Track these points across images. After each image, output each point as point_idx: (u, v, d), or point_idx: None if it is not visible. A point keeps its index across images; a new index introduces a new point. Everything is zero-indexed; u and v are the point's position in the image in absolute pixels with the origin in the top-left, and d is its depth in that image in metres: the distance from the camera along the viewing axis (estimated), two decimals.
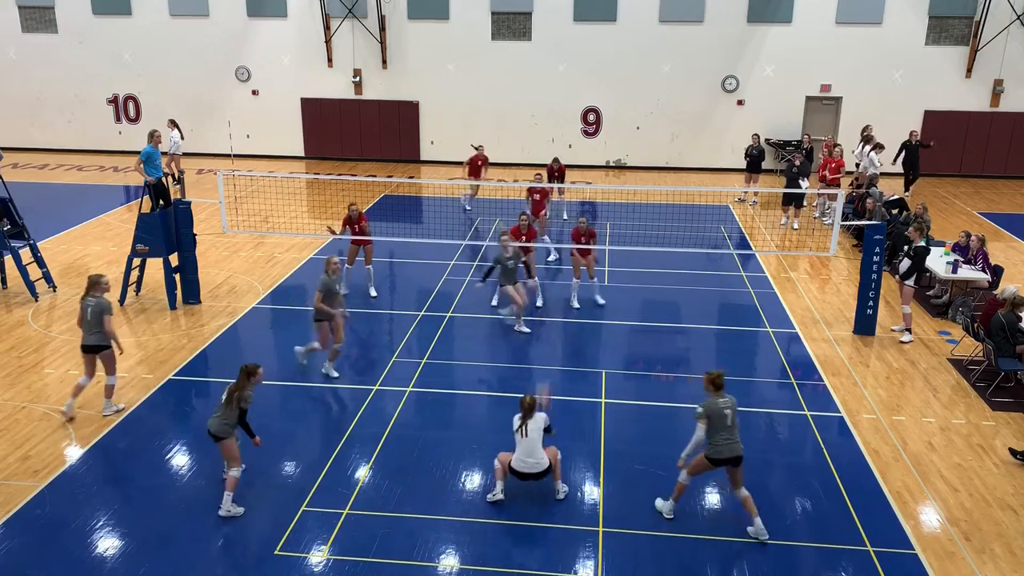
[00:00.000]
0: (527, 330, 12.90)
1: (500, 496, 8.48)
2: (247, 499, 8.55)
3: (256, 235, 17.81)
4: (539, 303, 13.99)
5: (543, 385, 9.64)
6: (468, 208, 20.52)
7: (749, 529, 8.04)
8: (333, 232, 14.09)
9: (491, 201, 20.72)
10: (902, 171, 22.66)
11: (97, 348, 10.11)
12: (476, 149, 20.66)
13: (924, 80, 24.72)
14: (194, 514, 8.31)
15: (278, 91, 26.90)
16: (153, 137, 14.95)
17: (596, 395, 10.94)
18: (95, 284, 10.17)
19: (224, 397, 8.19)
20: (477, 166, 20.39)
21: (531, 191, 16.79)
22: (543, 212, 16.85)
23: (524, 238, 13.69)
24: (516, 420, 8.38)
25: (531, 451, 8.29)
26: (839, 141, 22.66)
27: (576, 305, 13.96)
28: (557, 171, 19.98)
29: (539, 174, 17.96)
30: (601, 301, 14.14)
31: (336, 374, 11.33)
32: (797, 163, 19.10)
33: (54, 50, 27.16)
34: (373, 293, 14.53)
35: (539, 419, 8.36)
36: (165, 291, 13.91)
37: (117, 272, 15.16)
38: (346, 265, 14.34)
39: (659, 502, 8.46)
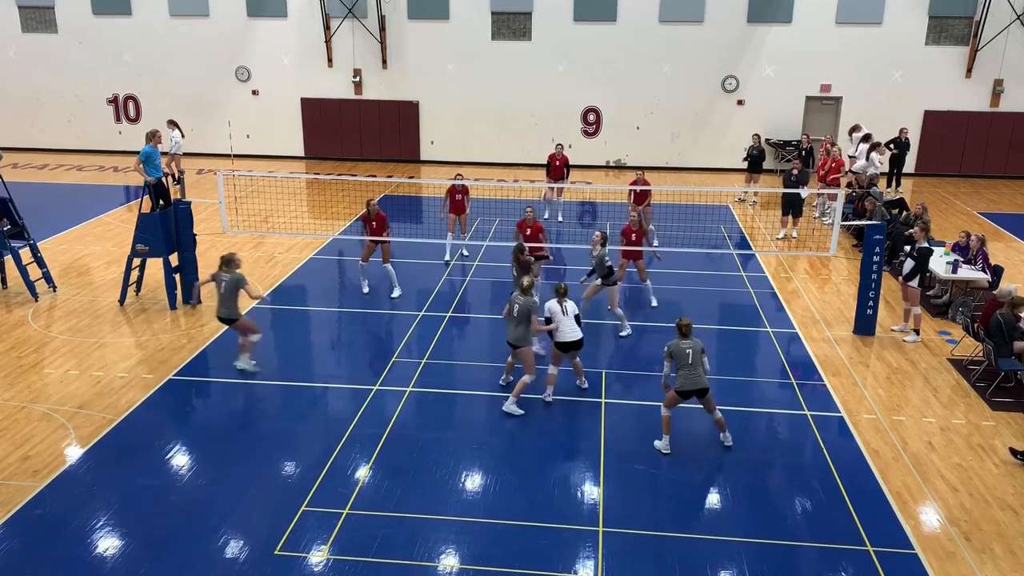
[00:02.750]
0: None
1: (551, 399, 10.56)
2: (247, 499, 8.57)
3: (256, 235, 17.81)
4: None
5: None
6: (547, 216, 19.74)
7: (721, 436, 9.67)
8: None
9: (492, 201, 20.70)
10: (887, 170, 22.63)
11: (228, 320, 11.29)
12: (557, 147, 19.92)
13: (924, 80, 24.72)
14: (194, 514, 8.32)
15: (278, 91, 26.90)
16: (153, 137, 14.93)
17: (596, 395, 10.94)
18: (229, 262, 11.24)
19: (512, 313, 10.28)
20: (556, 166, 19.71)
21: (452, 190, 16.41)
22: (465, 213, 16.66)
23: (529, 231, 13.62)
24: (555, 303, 10.25)
25: (572, 326, 10.29)
26: (837, 142, 22.65)
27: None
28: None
29: (460, 174, 17.27)
30: (655, 303, 14.21)
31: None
32: (796, 172, 18.43)
33: (54, 50, 27.16)
34: (395, 293, 14.45)
35: (572, 304, 10.37)
36: (165, 291, 13.91)
37: (117, 272, 15.19)
38: (360, 263, 14.44)
39: (656, 442, 9.57)
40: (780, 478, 9.14)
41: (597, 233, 12.73)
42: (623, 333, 12.94)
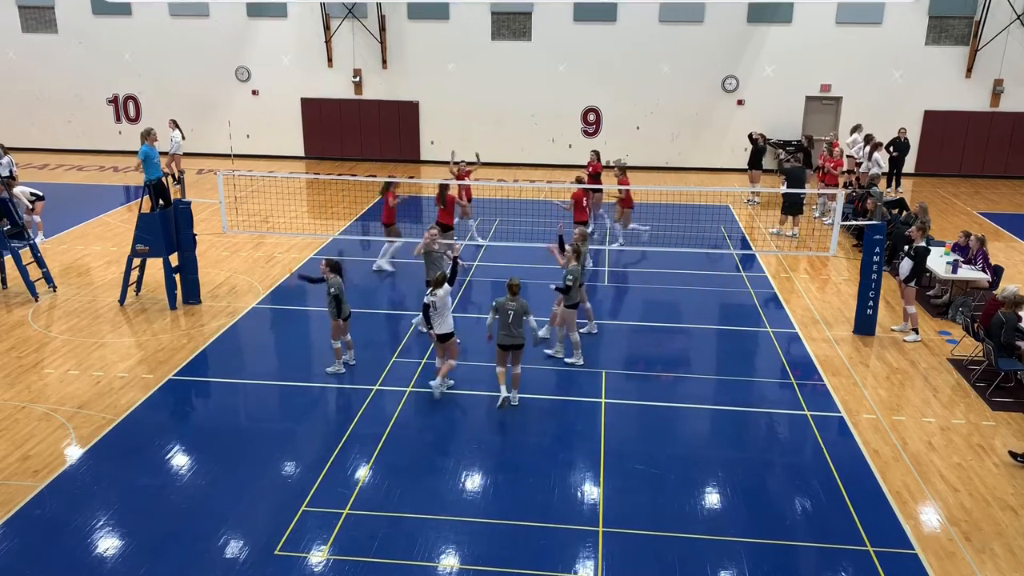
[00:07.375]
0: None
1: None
2: (247, 499, 8.57)
3: (256, 235, 17.81)
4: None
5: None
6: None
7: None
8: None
9: (492, 201, 20.70)
10: (888, 169, 22.58)
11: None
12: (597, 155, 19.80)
13: (924, 80, 24.71)
14: (194, 514, 8.32)
15: (278, 91, 26.89)
16: (148, 136, 14.80)
17: (596, 395, 10.94)
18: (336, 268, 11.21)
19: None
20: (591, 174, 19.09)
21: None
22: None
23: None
24: None
25: None
26: (836, 141, 22.59)
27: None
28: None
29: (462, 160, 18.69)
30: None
31: None
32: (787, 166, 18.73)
33: (54, 50, 27.15)
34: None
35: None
36: (165, 291, 13.91)
37: (117, 272, 15.18)
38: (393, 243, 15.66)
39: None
40: (780, 478, 9.14)
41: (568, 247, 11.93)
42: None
